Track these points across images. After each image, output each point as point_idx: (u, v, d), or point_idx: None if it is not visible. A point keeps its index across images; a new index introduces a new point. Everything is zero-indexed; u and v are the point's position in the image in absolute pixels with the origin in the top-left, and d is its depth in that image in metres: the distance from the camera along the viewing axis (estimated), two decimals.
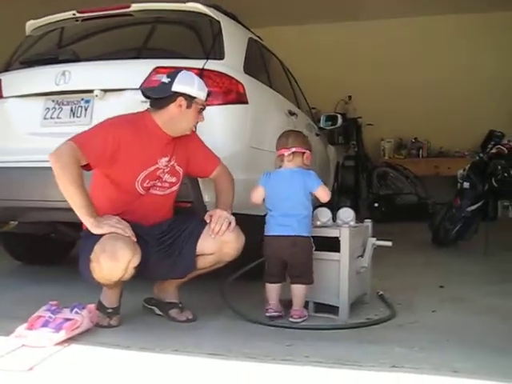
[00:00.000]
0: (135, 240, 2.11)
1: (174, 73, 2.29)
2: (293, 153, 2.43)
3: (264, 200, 2.47)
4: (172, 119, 2.28)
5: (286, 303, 2.43)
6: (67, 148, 2.12)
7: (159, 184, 2.33)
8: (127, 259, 2.05)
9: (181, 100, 2.25)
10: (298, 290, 2.37)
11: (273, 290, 2.42)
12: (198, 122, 2.37)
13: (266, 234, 2.41)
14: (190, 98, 2.26)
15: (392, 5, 7.52)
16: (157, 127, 2.29)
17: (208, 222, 2.27)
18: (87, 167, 2.19)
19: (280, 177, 2.44)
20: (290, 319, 2.34)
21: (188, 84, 2.26)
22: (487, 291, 2.95)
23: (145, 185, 2.28)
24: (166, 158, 2.32)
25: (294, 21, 8.03)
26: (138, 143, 2.24)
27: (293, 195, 2.38)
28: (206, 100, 2.34)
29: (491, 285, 3.13)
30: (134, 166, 2.25)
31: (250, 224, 2.46)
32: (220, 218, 2.25)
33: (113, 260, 2.03)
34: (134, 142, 2.22)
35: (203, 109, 2.34)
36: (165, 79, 2.28)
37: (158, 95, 2.28)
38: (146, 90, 2.37)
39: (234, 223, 2.27)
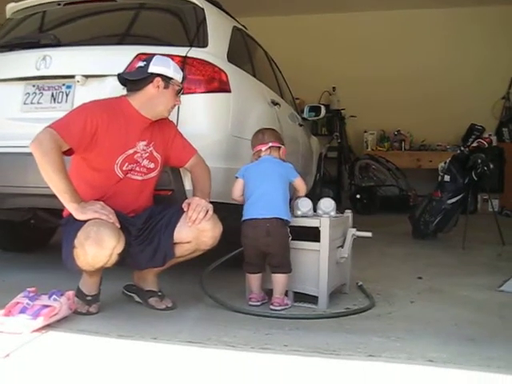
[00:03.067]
0: (119, 226, 2.11)
1: (149, 57, 2.33)
2: (270, 147, 2.51)
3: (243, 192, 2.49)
4: (150, 100, 2.30)
5: (269, 292, 2.45)
6: (47, 135, 2.10)
7: (137, 169, 2.32)
8: (112, 245, 2.04)
9: (158, 81, 2.27)
10: (278, 279, 2.39)
11: (253, 279, 2.44)
12: (175, 105, 2.39)
13: (242, 219, 2.42)
14: (167, 79, 2.29)
15: None
16: (134, 111, 2.30)
17: (185, 209, 2.26)
18: (68, 152, 2.18)
19: (260, 162, 2.50)
20: (271, 307, 2.36)
21: (164, 65, 2.29)
22: (463, 283, 2.99)
23: (124, 168, 2.28)
24: (144, 142, 2.32)
25: (279, 11, 8.02)
26: (116, 126, 2.24)
27: (271, 176, 2.44)
28: (182, 83, 2.36)
29: (467, 277, 3.18)
30: (113, 149, 2.24)
31: (231, 213, 2.46)
32: (198, 207, 2.23)
33: (98, 246, 2.01)
34: (111, 125, 2.22)
35: (180, 91, 2.36)
36: (141, 63, 2.33)
37: (136, 77, 2.30)
38: (124, 74, 2.39)
39: (211, 211, 2.25)
